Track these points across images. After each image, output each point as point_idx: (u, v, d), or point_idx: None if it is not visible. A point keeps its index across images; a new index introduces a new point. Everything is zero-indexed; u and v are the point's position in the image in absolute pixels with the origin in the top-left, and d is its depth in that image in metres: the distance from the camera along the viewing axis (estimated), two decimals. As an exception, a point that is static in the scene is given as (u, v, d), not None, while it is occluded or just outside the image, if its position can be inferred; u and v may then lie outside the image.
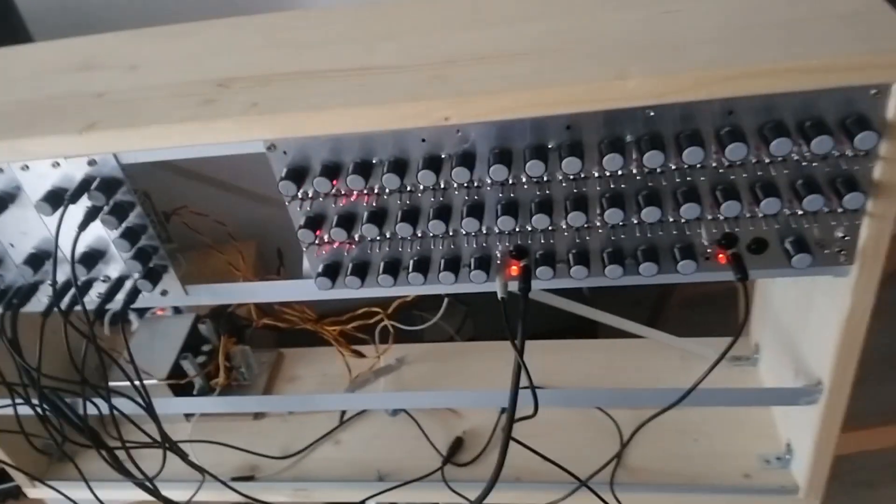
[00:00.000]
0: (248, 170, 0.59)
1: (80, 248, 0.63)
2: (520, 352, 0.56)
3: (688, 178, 0.54)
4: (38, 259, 0.65)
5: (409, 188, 0.57)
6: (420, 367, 0.99)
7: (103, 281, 0.66)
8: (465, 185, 0.56)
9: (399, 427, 0.94)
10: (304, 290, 0.65)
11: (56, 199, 0.60)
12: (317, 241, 0.61)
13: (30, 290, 0.67)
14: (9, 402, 0.75)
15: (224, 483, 0.81)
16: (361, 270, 0.62)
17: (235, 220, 0.83)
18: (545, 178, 0.55)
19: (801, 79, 0.48)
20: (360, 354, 0.92)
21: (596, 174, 0.55)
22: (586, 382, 0.94)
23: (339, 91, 0.56)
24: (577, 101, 0.51)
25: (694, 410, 0.89)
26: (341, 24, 0.67)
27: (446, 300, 0.80)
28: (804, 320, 0.72)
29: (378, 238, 0.60)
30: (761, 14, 0.54)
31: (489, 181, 0.56)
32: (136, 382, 0.68)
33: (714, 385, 0.90)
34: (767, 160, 0.52)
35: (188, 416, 0.99)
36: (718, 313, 0.96)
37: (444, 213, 0.58)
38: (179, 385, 0.93)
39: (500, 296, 0.59)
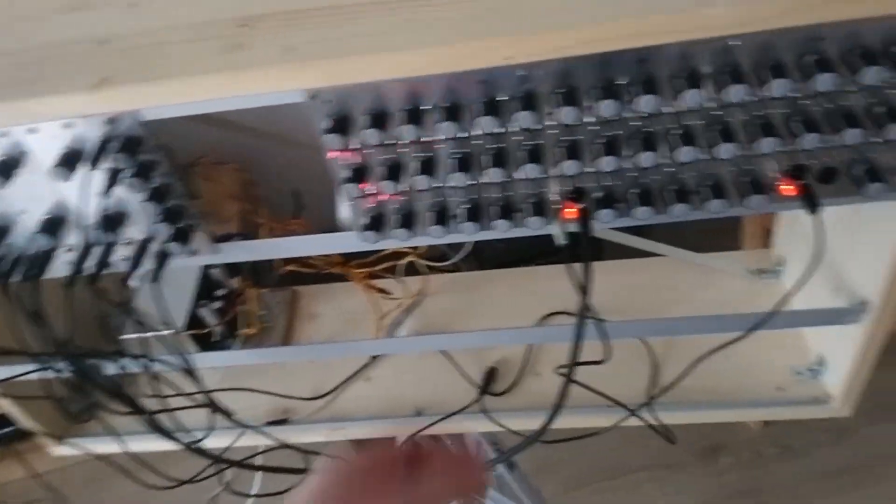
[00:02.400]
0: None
1: (102, 211, 0.58)
2: (584, 301, 0.55)
3: (767, 110, 0.51)
4: (53, 225, 0.60)
5: (462, 134, 0.53)
6: (446, 298, 0.98)
7: (127, 244, 0.62)
8: (527, 128, 0.52)
9: (429, 361, 0.93)
10: (346, 242, 0.62)
11: (72, 162, 0.54)
12: (362, 195, 0.57)
13: (45, 258, 0.63)
14: (35, 367, 0.72)
15: (261, 431, 0.80)
16: (409, 221, 0.59)
17: (244, 165, 0.78)
18: (617, 117, 0.51)
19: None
20: (386, 293, 0.90)
21: (667, 110, 0.51)
22: (612, 305, 0.93)
23: (386, 29, 0.50)
24: (657, 32, 0.47)
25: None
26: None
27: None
28: (849, 240, 0.71)
29: (429, 188, 0.56)
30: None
31: (554, 124, 0.52)
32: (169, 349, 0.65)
33: (743, 298, 0.92)
34: (854, 89, 0.49)
35: (209, 362, 0.97)
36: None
37: (501, 159, 0.54)
38: (200, 335, 0.91)
39: (558, 242, 0.57)
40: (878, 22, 0.46)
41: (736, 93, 0.47)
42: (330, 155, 0.54)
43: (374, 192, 0.57)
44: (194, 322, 0.93)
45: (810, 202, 0.54)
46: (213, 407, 0.67)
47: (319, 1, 0.54)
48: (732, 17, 0.45)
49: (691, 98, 0.48)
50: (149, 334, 0.84)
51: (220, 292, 0.96)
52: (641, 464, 1.62)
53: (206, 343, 0.94)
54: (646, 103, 0.48)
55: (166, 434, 0.67)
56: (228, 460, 0.72)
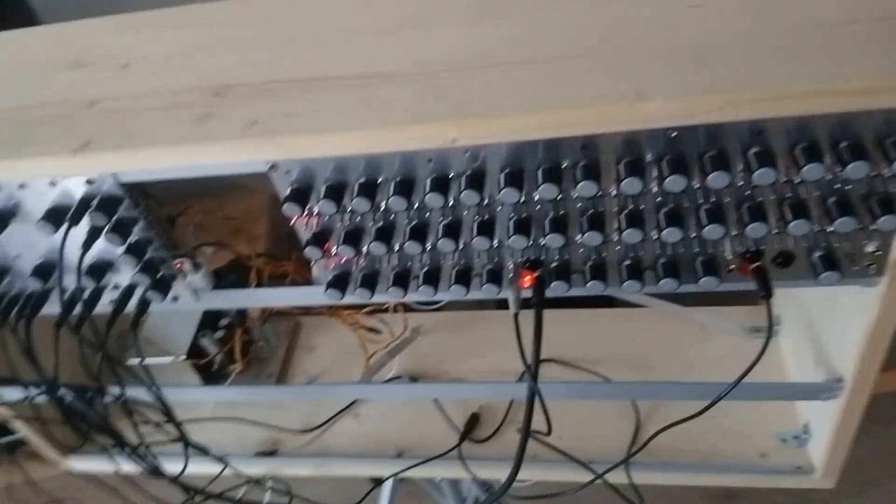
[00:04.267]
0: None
1: (87, 261, 0.62)
2: (533, 375, 0.55)
3: (712, 199, 0.51)
4: (45, 270, 0.64)
5: (416, 206, 0.55)
6: (435, 338, 0.99)
7: (114, 288, 0.66)
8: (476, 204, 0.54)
9: (416, 402, 0.95)
10: (314, 296, 0.64)
11: (57, 217, 0.58)
12: (324, 256, 0.59)
13: (40, 299, 0.67)
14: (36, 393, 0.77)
15: (235, 468, 0.83)
16: (371, 282, 0.61)
17: (240, 205, 0.81)
18: (559, 198, 0.52)
19: (839, 101, 0.44)
20: (376, 332, 0.92)
21: (613, 193, 0.52)
22: (602, 355, 0.94)
23: (341, 107, 0.53)
24: (592, 123, 0.47)
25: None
26: (338, 12, 0.63)
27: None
28: (830, 310, 0.70)
29: (386, 254, 0.58)
30: (791, 13, 0.49)
31: (500, 201, 0.53)
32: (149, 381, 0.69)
33: (734, 357, 0.90)
34: (798, 180, 0.49)
35: (210, 388, 1.00)
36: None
37: (453, 230, 0.55)
38: (201, 364, 0.95)
39: (513, 311, 0.58)
40: (822, 119, 0.46)
41: (675, 182, 0.48)
42: (291, 222, 0.56)
43: (337, 254, 0.59)
44: (196, 350, 0.97)
45: (764, 286, 0.54)
46: (187, 443, 0.71)
47: (290, 72, 0.57)
48: (667, 110, 0.46)
49: (631, 185, 0.49)
50: (152, 361, 0.89)
51: (223, 322, 1.00)
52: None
53: (207, 371, 0.98)
54: (583, 188, 0.49)
55: (148, 466, 0.71)
56: (206, 493, 0.75)
